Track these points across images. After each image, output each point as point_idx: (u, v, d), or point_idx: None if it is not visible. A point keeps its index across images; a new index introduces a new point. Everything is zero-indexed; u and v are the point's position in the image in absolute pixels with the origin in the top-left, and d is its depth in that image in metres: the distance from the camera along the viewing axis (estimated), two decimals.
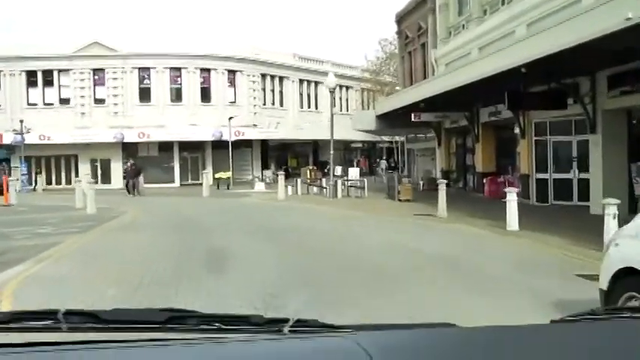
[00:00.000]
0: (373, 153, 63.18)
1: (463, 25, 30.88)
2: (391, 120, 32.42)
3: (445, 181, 21.42)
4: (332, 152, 29.59)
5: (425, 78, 34.01)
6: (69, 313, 1.57)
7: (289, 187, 30.81)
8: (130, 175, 35.59)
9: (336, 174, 54.76)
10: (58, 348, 1.38)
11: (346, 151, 59.62)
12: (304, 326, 1.62)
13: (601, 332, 1.75)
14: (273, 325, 1.62)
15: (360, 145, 59.09)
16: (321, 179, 35.24)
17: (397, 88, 46.50)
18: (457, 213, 20.72)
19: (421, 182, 33.50)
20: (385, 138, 52.50)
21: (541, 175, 23.98)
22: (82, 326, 1.56)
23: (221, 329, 1.59)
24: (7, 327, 1.55)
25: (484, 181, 28.04)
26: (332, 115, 29.40)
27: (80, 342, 1.42)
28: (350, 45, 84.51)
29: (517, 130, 25.28)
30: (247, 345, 1.54)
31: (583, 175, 22.57)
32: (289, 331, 1.58)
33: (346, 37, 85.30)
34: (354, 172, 41.69)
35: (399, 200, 27.42)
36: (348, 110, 58.47)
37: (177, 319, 1.62)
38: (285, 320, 1.62)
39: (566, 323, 1.88)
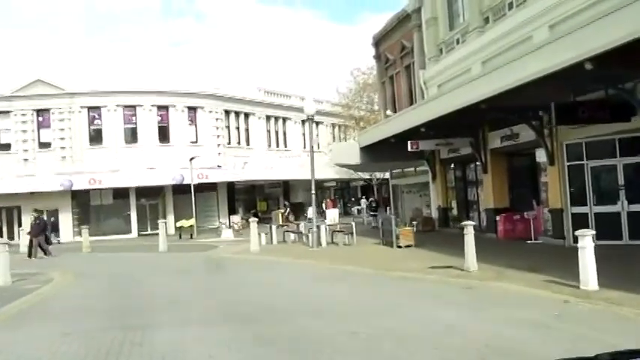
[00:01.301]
0: (347, 192, 57.83)
1: (457, 40, 25.96)
2: (377, 152, 27.12)
3: (472, 223, 15.96)
4: (313, 192, 24.14)
5: (412, 103, 28.95)
6: None
7: (262, 235, 25.08)
8: (34, 233, 26.24)
9: (309, 217, 49.48)
10: None
11: (319, 191, 54.07)
12: None
13: None
14: None
15: (333, 183, 53.71)
16: (297, 224, 29.59)
17: (379, 118, 41.45)
18: (486, 264, 15.34)
19: (414, 223, 28.04)
20: (364, 175, 47.25)
21: (578, 209, 18.77)
22: None
23: None
24: None
25: (497, 219, 22.77)
26: (312, 148, 24.00)
27: None
28: (318, 78, 79.67)
29: (541, 157, 20.15)
30: None
31: (635, 208, 17.50)
32: None
33: (313, 71, 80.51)
34: (332, 215, 36.24)
35: (399, 247, 21.97)
36: (319, 147, 53.09)
37: None
38: None
39: None
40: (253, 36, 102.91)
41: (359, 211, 52.41)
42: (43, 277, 17.33)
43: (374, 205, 33.28)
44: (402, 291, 13.06)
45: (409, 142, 22.96)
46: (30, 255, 24.55)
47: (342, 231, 25.38)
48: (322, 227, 24.10)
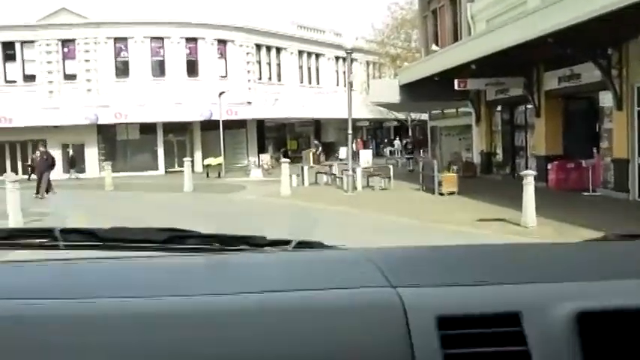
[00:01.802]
0: (380, 132, 55.74)
1: None
2: (417, 91, 25.05)
3: (533, 172, 14.02)
4: (350, 132, 22.27)
5: (456, 39, 26.60)
6: (66, 231, 1.48)
7: (293, 176, 23.35)
8: (41, 169, 23.66)
9: (341, 157, 47.59)
10: (55, 264, 1.32)
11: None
12: (308, 246, 1.56)
13: (626, 250, 1.57)
14: (277, 245, 1.54)
15: (366, 123, 51.60)
16: (330, 165, 27.83)
17: (416, 55, 39.06)
18: (543, 218, 13.51)
19: (454, 168, 26.09)
20: (399, 115, 45.09)
21: None
22: (80, 244, 1.49)
23: (222, 249, 1.52)
24: (4, 243, 1.52)
25: (548, 167, 20.75)
26: (350, 84, 21.97)
27: (78, 259, 1.37)
28: (352, 14, 76.39)
29: (606, 101, 17.97)
30: (252, 256, 1.47)
31: None
32: (293, 249, 1.52)
33: (348, 6, 77.15)
34: (365, 156, 34.42)
35: (441, 194, 20.16)
36: (352, 86, 50.82)
37: (177, 239, 1.52)
38: (288, 241, 1.55)
39: (589, 242, 1.77)
40: None
41: (391, 153, 50.48)
42: (55, 217, 15.93)
43: (410, 147, 31.16)
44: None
45: (456, 81, 20.83)
46: (38, 191, 22.93)
47: (378, 174, 23.57)
48: (358, 170, 22.30)
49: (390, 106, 31.79)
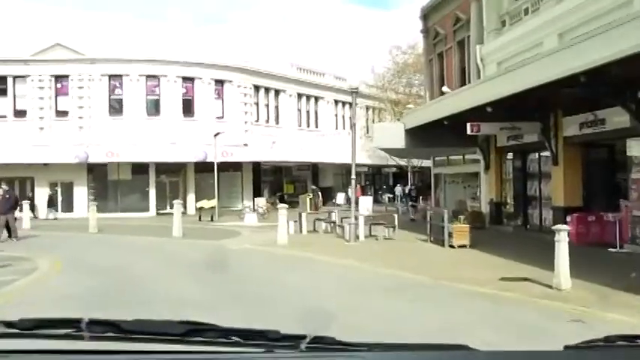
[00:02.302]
0: (378, 179, 54.14)
1: (526, 10, 22.12)
2: (424, 136, 23.46)
3: (566, 227, 12.22)
4: (354, 177, 20.49)
5: (464, 83, 25.23)
6: (92, 323, 1.53)
7: (290, 223, 21.52)
8: (2, 209, 20.89)
9: (338, 202, 45.86)
10: (80, 357, 1.37)
11: (348, 176, 50.48)
12: (321, 343, 1.54)
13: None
14: (291, 340, 1.53)
15: (365, 169, 50.03)
16: (329, 212, 26.05)
17: (418, 101, 37.75)
18: (576, 279, 11.70)
19: (461, 218, 24.33)
20: (400, 161, 43.51)
21: None
22: (104, 335, 1.52)
23: (239, 343, 1.54)
24: (32, 333, 1.53)
25: (567, 219, 18.98)
26: (354, 125, 20.35)
27: (101, 351, 1.40)
28: (351, 61, 75.63)
29: (634, 149, 16.37)
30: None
31: None
32: (306, 347, 1.50)
33: (346, 54, 76.43)
34: (365, 203, 32.72)
35: (451, 246, 18.38)
36: (352, 129, 49.47)
37: (196, 332, 1.55)
38: (303, 337, 1.53)
39: (580, 350, 1.74)
40: (284, 21, 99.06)
41: (390, 200, 48.82)
42: (28, 264, 14.06)
43: (414, 194, 29.30)
44: (481, 317, 9.46)
45: (468, 125, 19.25)
46: (10, 234, 20.68)
47: (382, 223, 21.80)
48: (360, 218, 20.53)
49: (394, 152, 30.16)
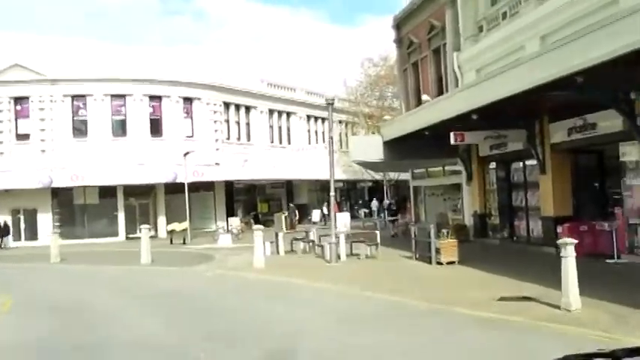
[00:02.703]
0: (353, 193, 52.95)
1: (504, 14, 21.19)
2: (403, 148, 22.35)
3: (573, 241, 11.04)
4: (332, 193, 19.21)
5: (441, 92, 24.20)
6: None
7: (267, 244, 20.10)
8: None
9: (314, 220, 44.49)
10: None
11: (323, 192, 49.22)
12: None
13: None
14: None
15: (340, 184, 48.81)
16: (307, 231, 24.70)
17: (392, 113, 36.72)
18: (582, 297, 10.53)
19: (443, 232, 23.18)
20: (376, 175, 42.32)
21: None
22: None
23: None
24: None
25: (558, 230, 17.93)
26: (331, 139, 19.08)
27: None
28: (321, 76, 74.36)
29: (628, 153, 15.39)
30: None
31: None
32: None
33: (317, 70, 75.33)
34: (343, 219, 31.50)
35: (439, 263, 17.19)
36: (328, 142, 48.24)
37: None
38: None
39: None
40: (252, 37, 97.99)
41: (365, 215, 47.63)
42: None
43: (394, 208, 27.93)
44: (493, 355, 8.16)
45: (452, 134, 18.14)
46: None
47: (363, 241, 20.52)
48: (341, 237, 19.22)
49: (371, 166, 28.95)
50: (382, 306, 11.72)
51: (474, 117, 16.29)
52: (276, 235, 22.64)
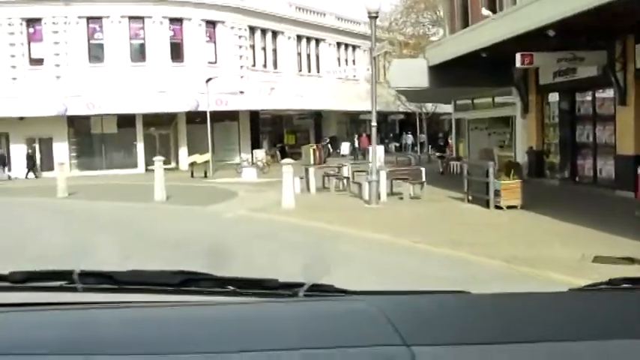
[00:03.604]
0: (384, 127, 49.81)
1: None
2: (451, 74, 19.30)
3: None
4: (374, 124, 16.38)
5: (495, 10, 20.80)
6: (84, 274, 1.48)
7: (295, 180, 17.32)
8: None
9: (343, 153, 41.75)
10: (72, 307, 1.32)
11: (353, 125, 46.29)
12: (319, 291, 1.47)
13: (619, 302, 1.55)
14: (288, 289, 1.48)
15: (369, 116, 45.75)
16: (339, 166, 22.00)
17: (433, 39, 33.36)
18: None
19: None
20: (411, 107, 39.15)
21: None
22: (97, 287, 1.48)
23: (235, 292, 1.50)
24: (23, 286, 1.48)
25: (639, 171, 15.02)
26: (374, 60, 16.06)
27: (95, 302, 1.36)
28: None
29: None
30: (261, 306, 1.42)
31: None
32: (304, 295, 1.44)
33: None
34: (378, 153, 28.65)
35: (498, 207, 14.43)
36: (355, 76, 45.01)
37: (191, 282, 1.50)
38: (300, 285, 1.46)
39: (584, 292, 1.69)
40: None
41: (397, 149, 44.77)
42: None
43: (441, 143, 24.68)
44: None
45: (518, 56, 15.00)
46: None
47: (405, 179, 17.72)
48: (382, 174, 16.44)
49: (412, 95, 25.80)
50: (447, 266, 9.04)
51: (551, 33, 13.17)
52: (306, 170, 19.94)
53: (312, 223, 12.77)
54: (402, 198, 16.79)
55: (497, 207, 14.50)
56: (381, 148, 32.17)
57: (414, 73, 19.92)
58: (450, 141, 28.80)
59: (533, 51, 15.49)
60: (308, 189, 19.14)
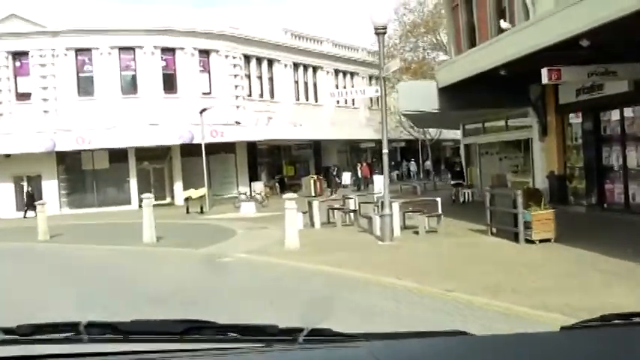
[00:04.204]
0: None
1: None
2: (462, 96, 17.69)
3: None
4: (385, 150, 14.64)
5: (502, 30, 19.24)
6: (90, 325, 1.50)
7: (299, 215, 15.52)
8: None
9: (344, 183, 40.00)
10: (79, 359, 1.31)
11: (353, 153, 44.63)
12: (319, 335, 1.48)
13: (611, 339, 1.57)
14: (288, 334, 1.48)
15: (372, 144, 44.10)
16: (343, 199, 20.27)
17: (430, 66, 31.98)
18: None
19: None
20: (416, 133, 37.54)
21: None
22: (103, 338, 1.48)
23: (237, 339, 1.50)
24: (31, 339, 1.48)
25: None
26: (383, 80, 14.38)
27: (100, 353, 1.38)
28: (349, 22, 68.12)
29: None
30: (262, 356, 1.44)
31: None
32: (304, 340, 1.45)
33: (346, 14, 69.32)
34: (380, 183, 27.00)
35: (528, 241, 12.65)
36: (353, 103, 43.55)
37: (194, 330, 1.50)
38: (300, 330, 1.48)
39: (576, 330, 1.68)
40: None
41: (399, 177, 43.09)
42: None
43: (458, 169, 22.58)
44: None
45: (545, 71, 13.31)
46: None
47: (419, 211, 15.95)
48: (395, 207, 14.65)
49: (419, 119, 24.04)
50: (496, 321, 7.21)
51: (585, 43, 11.52)
52: (309, 203, 18.17)
53: (321, 267, 10.93)
54: (417, 232, 14.99)
55: (528, 241, 12.73)
56: (382, 177, 30.60)
57: (423, 95, 18.29)
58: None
59: (555, 66, 13.85)
60: (312, 224, 17.35)
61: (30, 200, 30.28)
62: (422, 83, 23.01)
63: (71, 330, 1.48)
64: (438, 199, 16.21)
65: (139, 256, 13.77)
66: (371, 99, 45.48)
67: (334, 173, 34.13)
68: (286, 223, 13.16)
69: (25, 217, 29.38)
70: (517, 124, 20.98)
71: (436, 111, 18.40)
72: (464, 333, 1.60)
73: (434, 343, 1.53)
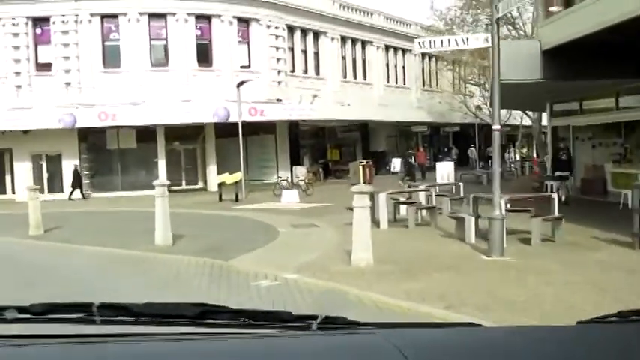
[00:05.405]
0: (436, 140, 43.55)
1: None
2: (570, 62, 13.10)
3: None
4: (497, 127, 9.99)
5: None
6: (103, 307, 1.45)
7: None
8: None
9: (394, 170, 35.56)
10: (91, 340, 1.30)
11: (402, 138, 40.06)
12: (332, 323, 1.45)
13: (628, 334, 1.49)
14: (302, 321, 1.45)
15: (424, 129, 39.54)
16: (410, 190, 15.87)
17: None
18: None
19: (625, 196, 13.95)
20: (484, 116, 32.84)
21: None
22: (115, 319, 1.44)
23: (251, 324, 1.46)
24: (43, 318, 1.45)
25: None
26: (496, 25, 9.85)
27: (113, 334, 1.34)
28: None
29: None
30: (276, 340, 1.40)
31: None
32: (317, 327, 1.43)
33: None
34: (445, 170, 22.72)
35: None
36: (405, 83, 38.98)
37: (208, 314, 1.46)
38: (314, 317, 1.45)
39: (593, 324, 1.61)
40: None
41: (456, 164, 38.47)
42: None
43: (564, 157, 17.53)
44: None
45: None
46: None
47: (525, 210, 11.47)
48: (501, 203, 10.23)
49: (506, 97, 19.37)
50: None
51: None
52: (372, 196, 13.83)
53: (422, 308, 6.60)
54: (525, 241, 10.58)
55: None
56: (449, 165, 26.07)
57: (522, 60, 13.71)
58: (536, 156, 22.35)
59: None
60: (377, 223, 13.03)
61: (76, 180, 26.71)
62: (522, 43, 18.35)
63: (84, 310, 1.43)
64: (554, 196, 11.69)
65: (139, 268, 9.52)
66: (423, 78, 40.93)
67: (410, 159, 29.56)
68: (354, 227, 8.86)
69: (70, 198, 25.89)
70: (626, 104, 16.29)
71: (537, 80, 13.79)
72: (476, 324, 1.59)
73: (450, 334, 1.48)
